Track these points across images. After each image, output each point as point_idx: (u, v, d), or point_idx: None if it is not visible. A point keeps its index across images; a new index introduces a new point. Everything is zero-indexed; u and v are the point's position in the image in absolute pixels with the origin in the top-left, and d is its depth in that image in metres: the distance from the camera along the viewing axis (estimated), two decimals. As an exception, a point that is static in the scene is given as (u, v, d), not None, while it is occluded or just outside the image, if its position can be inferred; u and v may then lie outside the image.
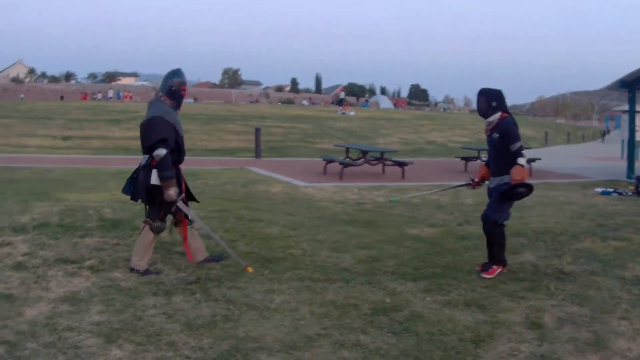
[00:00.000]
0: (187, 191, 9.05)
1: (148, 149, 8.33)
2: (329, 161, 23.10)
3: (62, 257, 8.77)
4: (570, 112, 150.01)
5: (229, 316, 6.74)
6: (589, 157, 38.18)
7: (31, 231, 10.16)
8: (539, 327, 6.72)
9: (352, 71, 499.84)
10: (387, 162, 23.20)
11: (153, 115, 8.38)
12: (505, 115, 8.73)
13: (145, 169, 8.40)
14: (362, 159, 22.93)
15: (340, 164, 22.07)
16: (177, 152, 8.52)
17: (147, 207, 8.66)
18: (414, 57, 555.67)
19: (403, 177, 21.88)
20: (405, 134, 49.05)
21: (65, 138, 35.54)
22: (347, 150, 24.82)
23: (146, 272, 8.32)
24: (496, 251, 8.78)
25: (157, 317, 6.62)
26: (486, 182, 9.21)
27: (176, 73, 8.76)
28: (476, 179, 9.24)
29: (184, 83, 8.76)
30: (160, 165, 8.18)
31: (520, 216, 13.06)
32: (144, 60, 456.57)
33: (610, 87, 25.22)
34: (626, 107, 34.35)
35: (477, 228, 11.27)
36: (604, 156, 39.10)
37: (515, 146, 8.47)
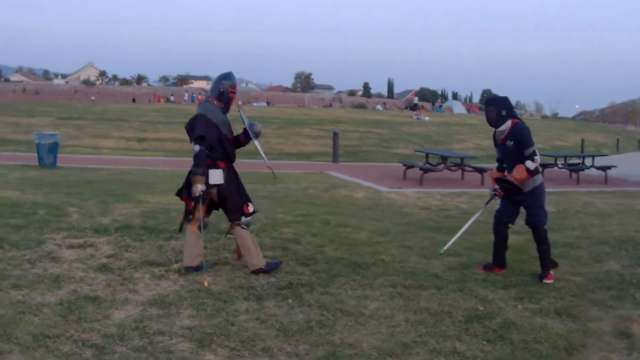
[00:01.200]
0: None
1: (209, 148, 8.45)
2: (409, 166, 23.01)
3: (148, 260, 8.82)
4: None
5: (323, 322, 6.75)
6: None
7: (114, 233, 10.20)
8: (628, 336, 6.67)
9: (424, 76, 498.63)
10: (467, 168, 23.05)
11: (196, 113, 8.64)
12: (516, 121, 8.70)
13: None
14: (442, 165, 22.81)
15: (420, 169, 21.98)
16: (222, 151, 8.57)
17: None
18: (485, 62, 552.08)
19: (482, 183, 21.71)
20: (480, 139, 48.67)
21: (140, 140, 35.93)
22: (427, 155, 24.69)
23: (269, 265, 8.59)
24: (548, 255, 8.88)
25: (250, 322, 6.64)
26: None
27: (226, 76, 8.88)
28: (497, 187, 9.05)
29: (233, 86, 8.85)
30: (195, 160, 8.34)
31: (601, 224, 12.94)
32: (216, 64, 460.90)
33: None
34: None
35: (561, 236, 11.26)
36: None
37: (528, 150, 8.49)
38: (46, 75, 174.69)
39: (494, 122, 8.65)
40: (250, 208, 8.71)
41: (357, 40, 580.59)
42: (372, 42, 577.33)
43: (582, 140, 40.38)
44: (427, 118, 63.97)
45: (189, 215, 8.84)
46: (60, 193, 14.11)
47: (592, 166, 25.50)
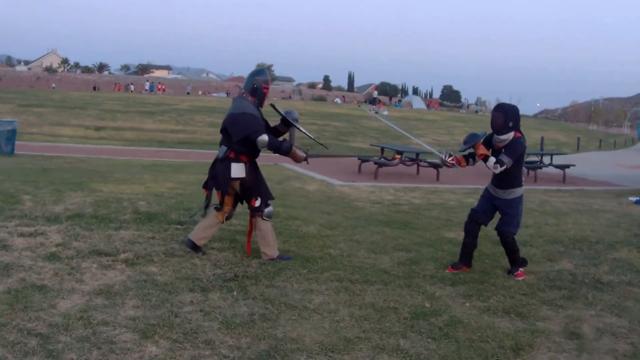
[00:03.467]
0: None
1: (232, 141, 8.69)
2: (364, 160, 23.05)
3: (96, 249, 8.72)
4: (602, 119, 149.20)
5: (267, 315, 6.70)
6: (621, 164, 37.83)
7: (64, 221, 10.11)
8: (577, 337, 6.68)
9: (384, 70, 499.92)
10: (422, 163, 23.09)
11: (242, 111, 8.73)
12: (518, 135, 8.72)
13: (223, 162, 8.78)
14: (397, 160, 22.84)
15: (375, 163, 22.01)
16: (250, 146, 8.73)
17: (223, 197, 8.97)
18: (446, 58, 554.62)
19: (438, 178, 21.76)
20: (438, 135, 48.97)
21: (98, 128, 35.79)
22: (382, 150, 24.71)
23: (280, 257, 8.87)
24: (517, 255, 8.97)
25: (193, 314, 6.58)
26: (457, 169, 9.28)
27: (260, 72, 9.12)
28: (454, 158, 9.03)
29: (266, 82, 9.06)
30: (272, 147, 8.69)
31: (557, 223, 13.03)
32: (177, 54, 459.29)
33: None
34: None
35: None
36: (636, 164, 38.72)
37: (505, 158, 8.48)
38: (9, 61, 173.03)
39: (499, 128, 8.64)
40: (258, 202, 8.86)
41: (319, 33, 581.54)
42: (334, 36, 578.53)
43: (542, 138, 40.64)
44: (386, 112, 64.11)
45: (212, 204, 9.14)
46: (16, 181, 14.03)
47: (551, 164, 25.65)
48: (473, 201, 15.35)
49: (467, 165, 9.09)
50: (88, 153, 23.95)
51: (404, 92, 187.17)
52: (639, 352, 6.34)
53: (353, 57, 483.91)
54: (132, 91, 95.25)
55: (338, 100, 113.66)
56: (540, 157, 27.65)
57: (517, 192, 8.76)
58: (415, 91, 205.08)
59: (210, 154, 14.51)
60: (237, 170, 8.67)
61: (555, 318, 7.22)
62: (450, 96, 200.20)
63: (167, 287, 7.38)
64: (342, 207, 13.70)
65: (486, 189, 9.13)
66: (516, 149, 8.53)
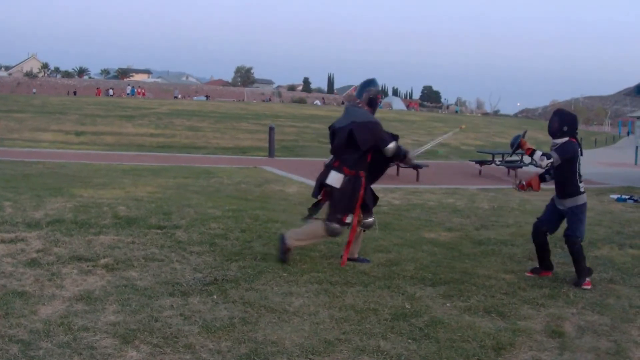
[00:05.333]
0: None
1: (342, 152, 8.78)
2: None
3: (77, 255, 8.68)
4: (582, 117, 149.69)
5: (247, 319, 6.67)
6: (602, 162, 37.95)
7: (45, 227, 10.06)
8: (559, 335, 6.70)
9: (364, 71, 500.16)
10: (402, 165, 23.06)
11: (370, 119, 8.84)
12: (573, 140, 8.79)
13: (326, 168, 8.93)
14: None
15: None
16: (366, 159, 8.89)
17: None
18: (426, 59, 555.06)
19: (418, 179, 21.77)
20: (418, 135, 48.91)
21: (78, 133, 35.60)
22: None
23: (287, 251, 8.89)
24: (584, 265, 8.82)
25: (174, 319, 6.55)
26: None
27: (372, 82, 9.22)
28: (524, 182, 9.25)
29: (379, 92, 9.31)
30: (396, 153, 8.91)
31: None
32: (157, 57, 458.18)
33: (627, 93, 25.21)
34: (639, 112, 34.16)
35: (494, 233, 11.30)
36: (617, 162, 38.86)
37: (553, 153, 8.63)
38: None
39: (553, 132, 8.80)
40: (349, 220, 8.89)
41: (298, 35, 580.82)
42: (313, 38, 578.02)
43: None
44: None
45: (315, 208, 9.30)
46: (-4, 187, 13.91)
47: (531, 163, 25.63)
48: (453, 201, 15.48)
49: (542, 182, 9.38)
50: (68, 158, 23.82)
51: (384, 93, 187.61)
52: (622, 350, 6.36)
53: (333, 59, 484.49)
54: (110, 95, 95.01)
55: (318, 102, 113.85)
56: (520, 157, 27.69)
57: (578, 199, 8.84)
58: (395, 92, 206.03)
59: (190, 158, 14.38)
60: (335, 179, 8.74)
61: (537, 317, 7.24)
62: (430, 97, 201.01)
63: (147, 291, 7.36)
64: (322, 210, 13.70)
65: (552, 198, 9.27)
66: (565, 149, 8.62)
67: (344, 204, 8.79)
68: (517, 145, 8.93)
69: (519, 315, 7.24)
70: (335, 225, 8.74)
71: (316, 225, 8.89)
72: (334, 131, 9.04)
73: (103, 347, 5.73)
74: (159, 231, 10.21)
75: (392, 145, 8.69)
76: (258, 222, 11.27)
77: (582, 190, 8.84)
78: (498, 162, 25.98)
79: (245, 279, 8.08)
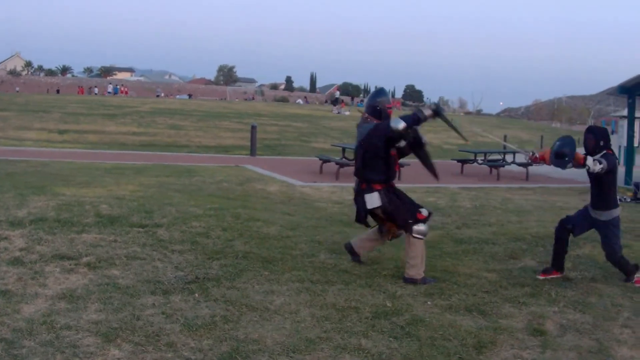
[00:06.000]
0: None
1: (363, 171, 8.76)
2: (325, 161, 22.98)
3: (59, 253, 8.68)
4: (565, 116, 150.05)
5: (228, 317, 6.69)
6: (585, 162, 38.07)
7: (28, 226, 10.03)
8: (541, 333, 6.74)
9: (347, 70, 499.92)
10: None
11: (373, 128, 8.61)
12: (610, 152, 8.84)
13: (359, 195, 8.83)
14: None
15: (337, 164, 21.93)
16: (390, 168, 8.82)
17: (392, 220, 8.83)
18: (408, 58, 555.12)
19: (399, 177, 21.77)
20: (401, 134, 49.03)
21: (61, 132, 35.48)
22: (344, 150, 24.68)
23: (424, 280, 8.41)
24: (629, 267, 8.97)
25: (155, 317, 6.56)
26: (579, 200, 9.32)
27: (380, 93, 9.11)
28: (537, 155, 9.19)
29: (388, 102, 8.93)
30: (411, 122, 8.49)
31: (519, 221, 13.11)
32: (140, 56, 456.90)
33: (610, 93, 25.23)
34: (623, 112, 34.30)
35: (476, 232, 11.36)
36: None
37: (602, 159, 8.55)
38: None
39: (591, 149, 8.81)
40: (425, 212, 8.68)
41: (281, 34, 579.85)
42: (296, 37, 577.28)
43: (505, 136, 40.83)
44: (347, 112, 64.14)
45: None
46: (-20, 186, 13.87)
47: (514, 162, 25.74)
48: (434, 200, 15.53)
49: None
50: (51, 157, 23.72)
51: (367, 92, 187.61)
52: (604, 348, 6.40)
53: (315, 58, 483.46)
54: (95, 94, 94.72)
55: (300, 101, 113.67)
56: (503, 155, 27.79)
57: (613, 213, 8.90)
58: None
59: (172, 156, 14.40)
60: (372, 200, 8.60)
61: (518, 315, 7.27)
62: (413, 96, 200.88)
63: (129, 290, 7.37)
64: (303, 208, 13.68)
65: (585, 207, 9.31)
66: (609, 160, 8.61)
67: (403, 208, 8.68)
68: (571, 158, 8.59)
69: (500, 314, 7.28)
70: (419, 227, 8.55)
71: (412, 244, 8.59)
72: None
73: (85, 346, 5.74)
74: (140, 230, 10.20)
75: (395, 123, 8.42)
76: (239, 221, 11.28)
77: (618, 203, 8.96)
78: (480, 161, 26.03)
79: (226, 277, 8.09)
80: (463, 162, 26.42)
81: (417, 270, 8.44)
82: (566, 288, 8.42)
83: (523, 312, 7.38)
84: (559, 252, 9.10)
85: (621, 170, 25.42)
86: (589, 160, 8.47)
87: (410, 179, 21.07)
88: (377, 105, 8.72)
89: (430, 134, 46.98)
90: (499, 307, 7.53)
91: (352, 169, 22.13)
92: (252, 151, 29.66)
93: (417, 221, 8.52)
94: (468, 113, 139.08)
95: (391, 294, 7.82)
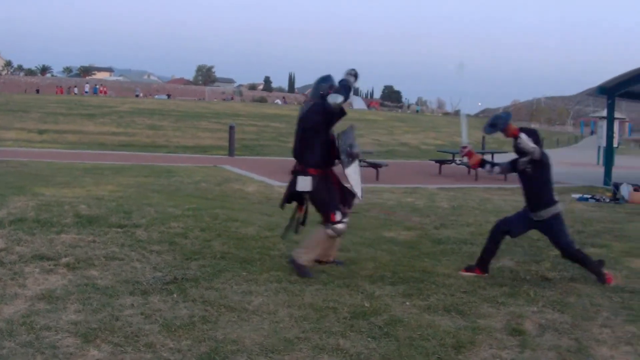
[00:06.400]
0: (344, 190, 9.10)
1: (300, 153, 8.69)
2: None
3: (39, 254, 8.65)
4: (544, 117, 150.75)
5: (207, 317, 6.67)
6: (564, 162, 38.22)
7: (7, 226, 10.01)
8: (520, 333, 6.72)
9: (325, 71, 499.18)
10: (362, 163, 23.04)
11: (311, 108, 8.60)
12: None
13: (294, 175, 8.71)
14: (337, 160, 22.77)
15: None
16: (329, 154, 8.72)
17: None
18: (387, 58, 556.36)
19: (377, 178, 21.81)
20: (378, 135, 49.11)
21: (40, 132, 35.41)
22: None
23: (306, 269, 8.46)
24: (594, 264, 8.87)
25: (134, 317, 6.54)
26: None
27: (326, 79, 8.83)
28: (469, 152, 9.15)
29: (331, 87, 8.68)
30: (343, 92, 8.43)
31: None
32: (119, 55, 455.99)
33: (589, 93, 25.36)
34: (602, 113, 34.46)
35: (454, 232, 11.41)
36: (579, 162, 39.20)
37: (537, 146, 8.57)
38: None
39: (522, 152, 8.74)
40: (338, 216, 8.56)
41: (259, 34, 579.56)
42: (274, 37, 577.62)
43: (483, 137, 40.99)
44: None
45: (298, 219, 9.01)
46: (-41, 187, 13.85)
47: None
48: (412, 200, 15.58)
49: (480, 168, 9.30)
50: (31, 157, 23.70)
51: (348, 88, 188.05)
52: (583, 348, 6.39)
53: (294, 58, 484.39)
54: (75, 93, 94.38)
55: (278, 101, 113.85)
56: (481, 155, 27.86)
57: (551, 210, 8.81)
58: (356, 91, 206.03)
59: (150, 157, 14.38)
60: (304, 184, 8.52)
61: (497, 315, 7.26)
62: (391, 96, 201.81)
63: (107, 290, 7.35)
64: (280, 209, 13.71)
65: (524, 208, 9.14)
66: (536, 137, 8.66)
67: (326, 201, 8.64)
68: (503, 127, 8.59)
69: (478, 314, 7.26)
70: (336, 226, 8.54)
71: (318, 233, 8.68)
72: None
73: (65, 346, 5.72)
74: (119, 230, 10.19)
75: (334, 98, 8.34)
76: (217, 221, 11.29)
77: (556, 199, 8.89)
78: (458, 162, 26.10)
79: (204, 277, 8.09)
80: (441, 162, 26.52)
81: (304, 255, 8.54)
82: (545, 288, 8.42)
83: (502, 312, 7.37)
84: (488, 253, 9.08)
85: (600, 170, 25.71)
86: (524, 135, 8.46)
87: (389, 179, 21.14)
88: (322, 91, 8.63)
89: (409, 134, 46.99)
90: (478, 307, 7.51)
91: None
92: (231, 151, 29.69)
93: (334, 221, 8.51)
94: (447, 113, 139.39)
95: (369, 294, 7.81)
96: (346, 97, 8.45)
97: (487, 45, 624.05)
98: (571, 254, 8.81)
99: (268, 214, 12.75)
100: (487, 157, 8.95)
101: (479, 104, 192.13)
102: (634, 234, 12.59)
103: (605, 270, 8.88)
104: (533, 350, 6.28)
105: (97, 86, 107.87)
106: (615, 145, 28.94)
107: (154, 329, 6.27)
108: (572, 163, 37.81)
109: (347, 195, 9.02)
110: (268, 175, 21.06)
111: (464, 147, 9.21)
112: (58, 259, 8.48)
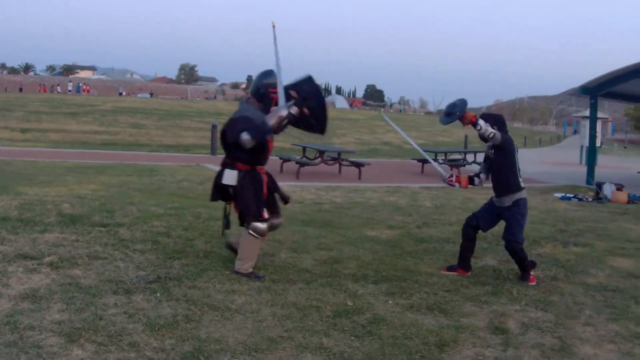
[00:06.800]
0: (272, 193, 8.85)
1: (228, 148, 8.34)
2: (286, 160, 22.98)
3: (22, 253, 8.62)
4: (527, 117, 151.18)
5: (190, 316, 6.67)
6: (546, 162, 38.41)
7: (-10, 225, 9.99)
8: (503, 332, 6.75)
9: (308, 70, 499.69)
10: (344, 163, 23.10)
11: (239, 115, 8.26)
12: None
13: (222, 167, 8.43)
14: (319, 159, 22.82)
15: (297, 163, 21.93)
16: (261, 152, 8.41)
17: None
18: (370, 58, 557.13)
19: (360, 177, 21.82)
20: (361, 134, 49.22)
21: (23, 130, 35.35)
22: (304, 149, 24.67)
23: (252, 274, 8.28)
24: (527, 262, 8.84)
25: (118, 317, 6.53)
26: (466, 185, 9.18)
27: (266, 75, 8.63)
28: (454, 178, 9.15)
29: (272, 85, 8.48)
30: (258, 135, 8.00)
31: (480, 220, 13.15)
32: (102, 54, 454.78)
33: (572, 93, 25.47)
34: (585, 112, 34.58)
35: (436, 231, 11.41)
36: (562, 161, 39.35)
37: (497, 132, 8.55)
38: None
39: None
40: (259, 216, 8.32)
41: (242, 33, 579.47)
42: (257, 36, 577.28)
43: (466, 136, 41.14)
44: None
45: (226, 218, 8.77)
46: (-58, 186, 13.81)
47: (474, 162, 25.83)
48: (395, 199, 15.56)
49: (471, 185, 9.21)
50: (14, 156, 23.59)
51: (327, 91, 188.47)
52: (567, 346, 6.43)
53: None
54: (58, 92, 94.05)
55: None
56: (463, 155, 27.95)
57: (516, 196, 8.79)
58: (339, 90, 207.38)
59: (133, 155, 14.36)
60: (230, 177, 8.30)
61: (480, 314, 7.30)
62: (374, 95, 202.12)
63: (91, 290, 7.33)
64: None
65: (490, 198, 9.22)
66: (505, 137, 8.65)
67: (248, 198, 8.37)
68: (460, 116, 8.51)
69: (461, 312, 7.30)
70: (257, 225, 8.31)
71: (245, 239, 8.46)
72: None
73: (49, 346, 5.71)
74: (102, 229, 10.17)
75: (244, 136, 7.94)
76: (200, 220, 11.29)
77: (522, 185, 8.85)
78: (440, 161, 26.17)
79: (188, 276, 8.08)
80: (423, 161, 26.51)
81: (244, 264, 8.37)
82: (527, 287, 8.44)
83: (484, 311, 7.41)
84: (466, 252, 9.10)
85: (583, 170, 25.82)
86: (481, 122, 8.45)
87: (371, 178, 21.16)
88: (260, 87, 8.51)
89: (391, 133, 46.90)
90: (461, 305, 7.55)
91: (313, 168, 22.18)
92: (213, 150, 29.64)
93: (257, 218, 8.30)
94: (429, 113, 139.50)
95: (352, 293, 7.84)
96: (258, 138, 8.11)
97: (469, 45, 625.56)
98: (514, 248, 8.74)
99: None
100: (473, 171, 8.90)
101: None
102: (617, 233, 12.70)
103: (533, 275, 8.86)
104: (516, 349, 6.30)
105: (80, 85, 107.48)
106: (598, 145, 29.07)
107: (137, 328, 6.25)
108: (555, 162, 37.98)
109: (275, 202, 8.86)
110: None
111: (449, 178, 9.19)
112: (41, 258, 8.45)
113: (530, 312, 7.42)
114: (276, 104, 8.38)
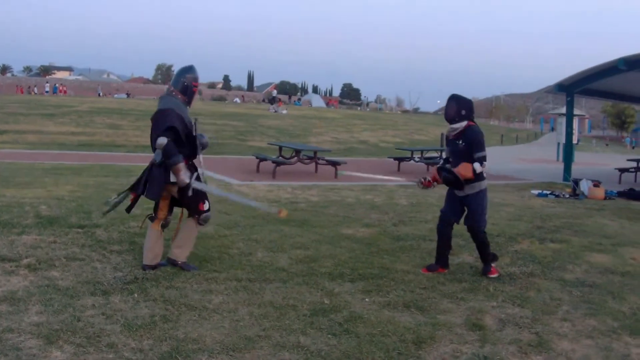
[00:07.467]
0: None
1: (156, 141, 8.26)
2: (262, 159, 22.97)
3: (0, 255, 8.62)
4: (503, 114, 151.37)
5: (167, 317, 6.68)
6: (523, 159, 38.53)
7: (-33, 228, 9.96)
8: (480, 328, 6.78)
9: (284, 69, 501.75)
10: (320, 161, 23.08)
11: (163, 107, 8.37)
12: (472, 124, 8.76)
13: (161, 166, 8.38)
14: (295, 158, 22.83)
15: (273, 162, 21.91)
16: (189, 146, 8.48)
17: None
18: (346, 57, 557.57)
19: (336, 176, 21.83)
20: (337, 133, 49.12)
21: (0, 132, 35.02)
22: (280, 148, 24.66)
23: (186, 264, 8.53)
24: (488, 253, 8.95)
25: (96, 318, 6.53)
26: (436, 185, 9.16)
27: (189, 69, 8.72)
28: (429, 179, 9.17)
29: (196, 79, 8.69)
30: (164, 152, 8.12)
31: (457, 217, 13.21)
32: (78, 54, 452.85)
33: (548, 91, 25.49)
34: (562, 110, 34.74)
35: (412, 229, 11.43)
36: (539, 158, 39.48)
37: (479, 154, 8.56)
38: None
39: (451, 117, 8.67)
40: (206, 205, 8.58)
41: (218, 33, 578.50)
42: (233, 36, 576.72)
43: (442, 134, 41.16)
44: (285, 111, 64.18)
45: (132, 207, 8.86)
46: None
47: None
48: (371, 197, 15.57)
49: (442, 172, 9.03)
50: (-11, 158, 23.43)
51: (304, 90, 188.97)
52: (544, 342, 6.45)
53: (253, 57, 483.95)
54: (35, 93, 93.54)
55: (237, 99, 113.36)
56: (440, 153, 28.02)
57: (479, 185, 8.79)
58: (315, 89, 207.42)
59: (110, 156, 14.34)
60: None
61: (457, 310, 7.33)
62: (350, 94, 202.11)
63: (69, 291, 7.33)
64: (240, 207, 13.52)
65: (449, 189, 9.15)
66: (477, 139, 8.61)
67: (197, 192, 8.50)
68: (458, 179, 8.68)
69: (438, 310, 7.33)
70: (208, 214, 8.66)
71: (190, 227, 8.68)
72: None
73: (28, 348, 5.71)
74: (79, 230, 10.20)
75: (160, 140, 8.12)
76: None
77: (484, 175, 8.83)
78: (417, 159, 26.26)
79: (165, 277, 8.10)
80: (400, 159, 26.62)
81: (183, 251, 8.59)
82: (504, 283, 8.50)
83: (461, 308, 7.44)
84: (444, 248, 9.11)
85: (560, 167, 25.94)
86: (476, 166, 8.53)
87: (346, 177, 21.12)
88: (185, 81, 8.57)
89: (367, 132, 47.00)
90: (437, 302, 7.58)
91: (290, 167, 22.19)
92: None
93: (200, 210, 8.54)
94: (405, 111, 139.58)
95: (329, 291, 7.89)
96: (163, 159, 8.30)
97: (445, 44, 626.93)
98: (477, 234, 8.85)
99: (227, 212, 12.67)
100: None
101: (438, 101, 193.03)
102: (593, 229, 12.82)
103: (494, 266, 8.95)
104: (494, 345, 6.33)
105: (57, 85, 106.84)
106: (574, 142, 29.21)
107: (115, 329, 6.26)
108: (531, 160, 38.12)
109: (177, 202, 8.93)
110: (227, 174, 20.97)
111: (425, 182, 9.26)
112: (19, 260, 8.45)
113: (508, 309, 7.46)
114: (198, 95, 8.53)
